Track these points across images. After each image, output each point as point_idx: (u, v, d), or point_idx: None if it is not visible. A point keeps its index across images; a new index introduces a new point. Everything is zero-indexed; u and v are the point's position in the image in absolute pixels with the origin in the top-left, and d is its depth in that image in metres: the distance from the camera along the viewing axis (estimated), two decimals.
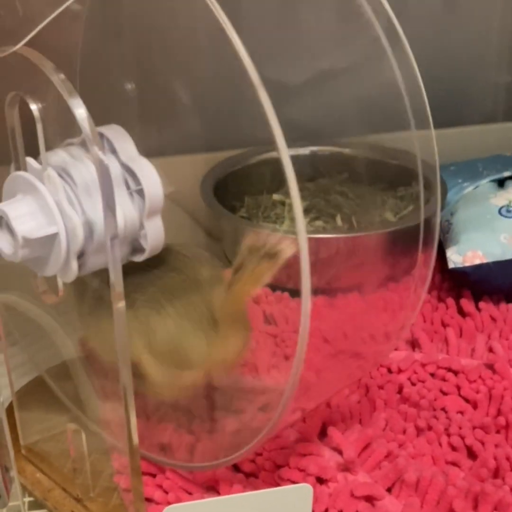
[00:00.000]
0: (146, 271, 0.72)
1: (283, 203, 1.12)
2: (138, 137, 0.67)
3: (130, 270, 0.68)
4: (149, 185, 0.63)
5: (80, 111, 0.54)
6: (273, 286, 0.97)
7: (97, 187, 0.55)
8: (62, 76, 0.55)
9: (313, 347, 0.59)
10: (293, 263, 0.69)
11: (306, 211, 1.11)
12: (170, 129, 1.02)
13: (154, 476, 0.76)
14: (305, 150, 1.14)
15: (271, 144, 0.54)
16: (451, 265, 0.97)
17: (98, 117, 0.59)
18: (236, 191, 1.12)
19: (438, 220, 0.74)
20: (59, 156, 0.64)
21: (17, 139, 0.64)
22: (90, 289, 0.72)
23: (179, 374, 0.73)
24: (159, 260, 0.72)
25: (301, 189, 1.12)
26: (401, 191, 1.12)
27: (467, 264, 0.96)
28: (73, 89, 0.54)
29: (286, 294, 0.97)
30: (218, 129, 1.10)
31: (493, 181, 1.11)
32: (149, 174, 0.64)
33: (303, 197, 1.15)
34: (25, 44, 0.56)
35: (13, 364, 0.80)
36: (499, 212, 1.01)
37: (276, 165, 0.55)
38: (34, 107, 0.59)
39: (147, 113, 0.99)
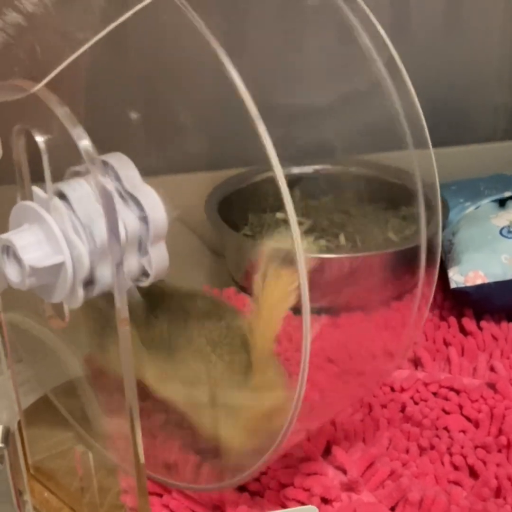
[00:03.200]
0: (186, 316, 0.74)
1: (286, 222, 1.11)
2: (143, 156, 0.68)
3: (171, 312, 0.73)
4: (153, 213, 0.64)
5: (84, 143, 0.55)
6: None
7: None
8: (66, 109, 0.55)
9: (317, 367, 0.60)
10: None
11: (310, 230, 1.11)
12: (176, 147, 1.02)
13: (160, 496, 0.77)
14: (308, 169, 1.14)
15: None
16: (453, 285, 0.98)
17: (104, 134, 0.60)
18: (240, 209, 1.12)
19: (439, 240, 0.75)
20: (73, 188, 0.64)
21: (23, 170, 0.65)
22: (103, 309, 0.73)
23: (225, 431, 0.73)
24: (188, 304, 0.75)
25: (305, 208, 1.12)
26: (404, 211, 1.12)
27: (469, 284, 0.97)
28: (77, 122, 0.55)
29: (289, 312, 0.97)
30: (223, 147, 1.10)
31: (494, 201, 1.11)
32: (153, 202, 0.64)
33: (306, 216, 1.15)
34: (30, 78, 0.57)
35: (18, 381, 0.80)
36: (500, 232, 1.01)
37: None
38: (39, 139, 0.60)
39: (153, 132, 1.00)
